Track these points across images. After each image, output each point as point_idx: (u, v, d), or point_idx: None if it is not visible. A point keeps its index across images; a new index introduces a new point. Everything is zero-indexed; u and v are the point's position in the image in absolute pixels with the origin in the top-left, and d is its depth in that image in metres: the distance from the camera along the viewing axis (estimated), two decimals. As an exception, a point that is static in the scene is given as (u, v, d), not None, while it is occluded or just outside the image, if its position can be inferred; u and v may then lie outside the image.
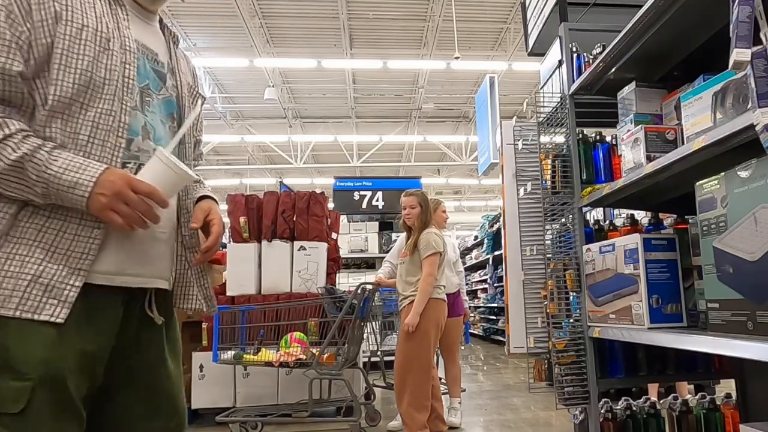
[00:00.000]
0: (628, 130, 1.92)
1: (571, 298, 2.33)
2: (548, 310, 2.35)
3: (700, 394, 2.21)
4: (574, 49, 2.36)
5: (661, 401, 2.34)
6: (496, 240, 9.89)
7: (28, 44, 1.00)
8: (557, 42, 2.56)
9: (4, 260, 0.98)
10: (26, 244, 1.00)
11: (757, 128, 1.15)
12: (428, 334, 3.26)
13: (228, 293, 4.45)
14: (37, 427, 0.95)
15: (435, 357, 3.65)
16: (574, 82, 2.30)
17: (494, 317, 11.07)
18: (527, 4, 3.32)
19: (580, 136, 2.28)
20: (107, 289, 1.07)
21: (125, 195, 1.01)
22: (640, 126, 1.83)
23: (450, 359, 4.32)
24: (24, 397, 0.94)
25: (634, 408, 2.25)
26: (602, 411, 2.17)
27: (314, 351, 3.81)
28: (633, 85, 2.03)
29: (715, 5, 1.55)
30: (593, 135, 2.30)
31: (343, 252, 6.28)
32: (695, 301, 1.71)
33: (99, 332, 1.06)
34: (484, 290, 11.82)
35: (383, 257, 5.09)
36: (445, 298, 3.45)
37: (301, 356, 3.85)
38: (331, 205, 6.72)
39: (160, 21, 1.30)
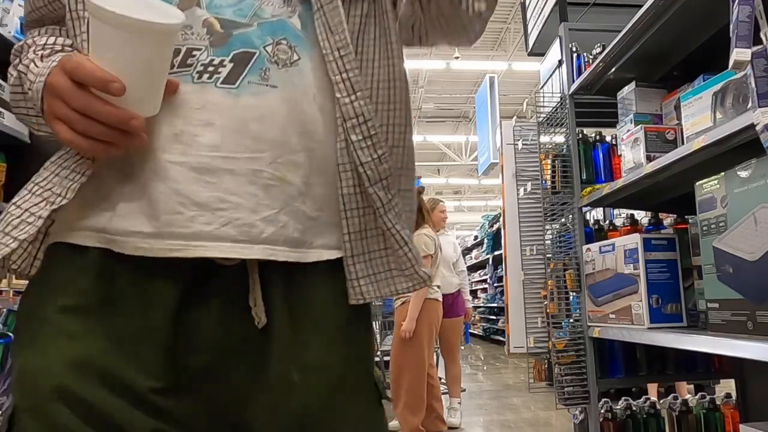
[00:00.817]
0: (628, 130, 1.92)
1: (571, 298, 2.34)
2: (548, 310, 2.35)
3: (700, 394, 2.21)
4: (574, 49, 2.36)
5: (661, 401, 2.34)
6: (496, 240, 9.89)
7: None
8: (557, 42, 2.56)
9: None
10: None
11: (757, 128, 1.15)
12: (420, 335, 3.24)
13: (228, 293, 4.45)
14: None
15: (435, 357, 3.65)
16: (574, 82, 2.30)
17: (494, 317, 11.08)
18: (527, 4, 3.32)
19: (580, 136, 2.28)
20: (126, 260, 0.61)
21: (56, 86, 0.59)
22: (640, 126, 1.83)
23: (450, 359, 4.32)
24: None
25: (634, 408, 2.25)
26: (602, 411, 2.17)
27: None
28: (633, 85, 2.03)
29: (715, 5, 1.55)
30: (593, 135, 2.30)
31: (343, 252, 6.28)
32: (695, 301, 1.71)
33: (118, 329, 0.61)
34: (484, 290, 11.83)
35: (383, 257, 5.08)
36: (440, 298, 3.43)
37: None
38: (331, 205, 6.71)
39: None
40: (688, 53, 1.99)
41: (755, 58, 1.17)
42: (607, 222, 2.69)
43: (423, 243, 3.32)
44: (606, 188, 2.01)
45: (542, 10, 2.96)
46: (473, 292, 12.85)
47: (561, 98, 2.40)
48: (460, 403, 4.31)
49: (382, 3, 0.73)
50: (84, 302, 0.61)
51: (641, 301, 1.75)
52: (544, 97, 2.55)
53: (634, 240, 1.80)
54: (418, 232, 3.37)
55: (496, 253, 9.62)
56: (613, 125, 2.22)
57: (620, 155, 2.02)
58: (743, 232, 1.29)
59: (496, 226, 9.86)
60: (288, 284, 0.66)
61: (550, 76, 2.86)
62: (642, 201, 2.19)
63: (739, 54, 1.17)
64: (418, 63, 10.58)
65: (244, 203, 0.62)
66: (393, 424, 3.96)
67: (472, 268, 13.24)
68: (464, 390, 5.12)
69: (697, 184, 1.47)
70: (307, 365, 0.65)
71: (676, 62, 2.06)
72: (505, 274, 3.82)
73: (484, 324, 12.03)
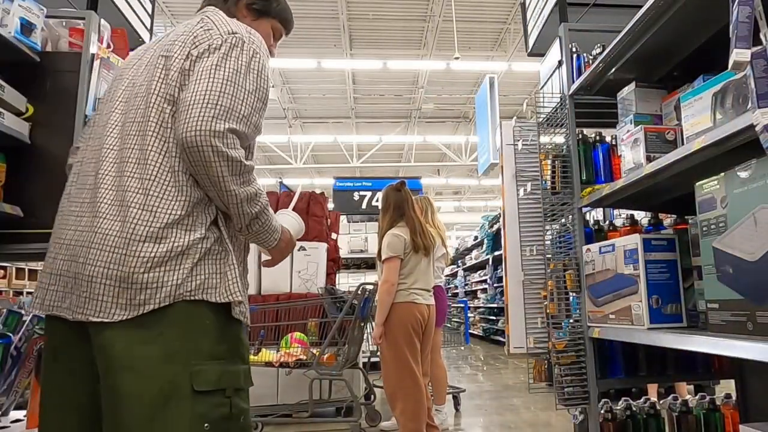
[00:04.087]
0: (628, 131, 1.92)
1: (571, 298, 2.34)
2: (548, 311, 2.35)
3: (699, 394, 2.21)
4: (574, 50, 2.36)
5: (661, 401, 2.34)
6: (495, 240, 9.89)
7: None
8: (557, 42, 2.56)
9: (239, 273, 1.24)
10: (239, 265, 1.28)
11: (756, 128, 1.15)
12: (396, 338, 3.04)
13: (228, 293, 4.44)
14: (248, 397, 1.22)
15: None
16: (573, 82, 2.30)
17: (494, 317, 11.07)
18: (527, 4, 3.32)
19: (580, 136, 2.28)
20: None
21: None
22: (639, 126, 1.83)
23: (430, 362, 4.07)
24: (248, 377, 1.21)
25: (633, 408, 2.25)
26: (602, 411, 2.17)
27: (314, 351, 3.81)
28: (633, 85, 2.03)
29: (715, 5, 1.55)
30: (593, 135, 2.30)
31: (343, 252, 6.28)
32: (695, 301, 1.71)
33: None
34: (484, 290, 11.83)
35: (383, 257, 5.06)
36: (418, 301, 3.13)
37: (301, 356, 3.85)
38: (331, 206, 6.72)
39: None
40: (688, 53, 1.99)
41: (755, 58, 1.18)
42: (607, 222, 2.69)
43: (387, 244, 3.09)
44: (606, 189, 2.01)
45: (542, 10, 2.96)
46: (474, 292, 12.86)
47: (561, 99, 2.40)
48: (438, 410, 4.03)
49: None
50: None
51: (641, 301, 1.75)
52: (544, 97, 2.55)
53: (634, 240, 1.80)
54: (387, 233, 3.16)
55: (496, 253, 9.62)
56: (613, 125, 2.21)
57: (620, 156, 2.02)
58: (743, 232, 1.29)
59: (495, 227, 9.86)
60: None
61: (550, 76, 2.85)
62: (642, 201, 2.19)
63: (739, 54, 1.17)
64: (418, 63, 10.58)
65: None
66: (386, 423, 3.96)
67: (472, 269, 13.26)
68: (464, 390, 5.12)
69: (697, 184, 1.47)
70: None
71: (676, 62, 2.06)
72: (505, 275, 3.79)
73: (484, 324, 12.02)
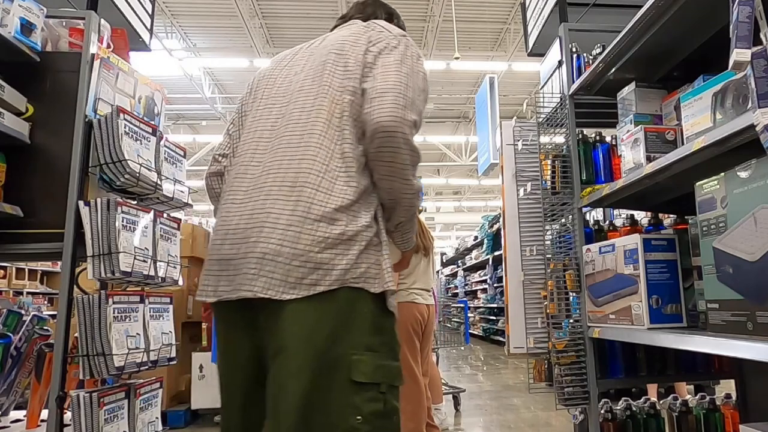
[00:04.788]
0: (628, 131, 1.92)
1: (571, 298, 2.33)
2: (548, 311, 2.35)
3: (699, 394, 2.21)
4: (574, 50, 2.36)
5: (661, 401, 2.34)
6: (495, 240, 9.89)
7: None
8: (557, 42, 2.56)
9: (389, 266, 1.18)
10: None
11: (757, 128, 1.15)
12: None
13: (228, 293, 4.44)
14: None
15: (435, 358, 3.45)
16: (574, 82, 2.30)
17: (494, 317, 11.07)
18: (527, 4, 3.32)
19: (580, 136, 2.28)
20: None
21: None
22: (639, 126, 1.83)
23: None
24: (402, 375, 1.17)
25: (633, 408, 2.25)
26: (602, 411, 2.17)
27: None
28: (633, 85, 2.04)
29: (715, 5, 1.55)
30: (593, 135, 2.30)
31: (343, 252, 6.27)
32: (695, 301, 1.71)
33: None
34: (484, 290, 11.83)
35: (383, 257, 5.04)
36: (417, 300, 3.17)
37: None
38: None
39: None
40: (688, 53, 1.99)
41: (755, 58, 1.18)
42: (607, 222, 2.69)
43: None
44: (606, 189, 2.01)
45: (542, 10, 2.96)
46: (474, 293, 12.86)
47: (561, 99, 2.40)
48: (437, 410, 4.03)
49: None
50: None
51: (641, 301, 1.75)
52: (544, 97, 2.55)
53: (634, 240, 1.80)
54: None
55: (496, 253, 9.62)
56: (613, 125, 2.21)
57: (620, 156, 2.02)
58: (743, 232, 1.29)
59: (496, 227, 9.86)
60: None
61: (550, 76, 2.85)
62: (642, 201, 2.19)
63: (739, 54, 1.17)
64: (418, 63, 10.57)
65: None
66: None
67: (472, 269, 13.26)
68: (464, 390, 5.12)
69: (697, 184, 1.47)
70: None
71: (676, 62, 2.06)
72: (505, 275, 3.78)
73: (484, 324, 12.03)
